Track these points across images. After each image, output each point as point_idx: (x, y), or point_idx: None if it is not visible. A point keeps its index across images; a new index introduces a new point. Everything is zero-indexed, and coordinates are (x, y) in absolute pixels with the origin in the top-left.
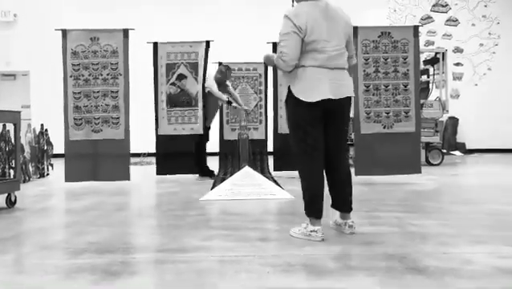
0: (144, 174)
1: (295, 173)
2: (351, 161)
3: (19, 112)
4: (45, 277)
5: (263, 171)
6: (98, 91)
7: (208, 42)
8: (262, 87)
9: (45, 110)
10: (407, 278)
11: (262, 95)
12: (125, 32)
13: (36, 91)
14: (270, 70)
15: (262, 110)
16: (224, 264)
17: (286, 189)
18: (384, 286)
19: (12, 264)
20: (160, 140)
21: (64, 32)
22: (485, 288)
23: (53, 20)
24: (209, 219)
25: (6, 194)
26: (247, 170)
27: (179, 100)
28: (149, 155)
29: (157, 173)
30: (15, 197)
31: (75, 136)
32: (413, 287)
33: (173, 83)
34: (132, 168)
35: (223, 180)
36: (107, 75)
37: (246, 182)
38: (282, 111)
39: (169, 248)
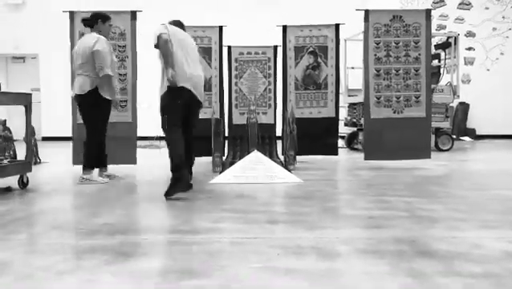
0: (153, 157)
1: (304, 158)
2: (360, 146)
3: (30, 95)
4: (57, 256)
5: (271, 155)
6: None
7: (221, 28)
8: (271, 71)
9: (54, 93)
10: (416, 262)
11: (271, 79)
12: (133, 14)
13: (45, 74)
14: (280, 54)
15: (271, 94)
16: (234, 246)
17: (294, 172)
18: (394, 269)
19: (25, 244)
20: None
21: (72, 14)
22: (493, 272)
23: (61, 2)
24: (219, 202)
25: (19, 176)
26: (256, 154)
27: None
28: (158, 139)
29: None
30: (27, 178)
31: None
32: (423, 271)
33: None
34: (141, 152)
35: (232, 164)
36: (115, 57)
37: (255, 166)
38: (292, 96)
39: (180, 229)
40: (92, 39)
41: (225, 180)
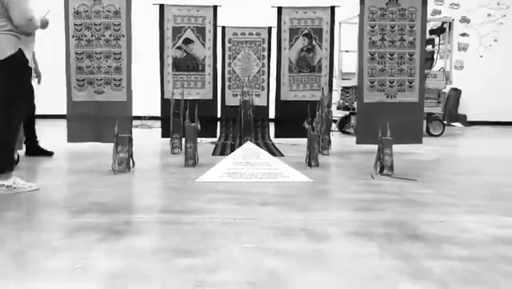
0: (145, 137)
1: (296, 140)
2: (352, 130)
3: None
4: (49, 234)
5: (264, 137)
6: (100, 52)
7: (215, 8)
8: (265, 53)
9: (47, 70)
10: (405, 244)
11: (265, 61)
12: None
13: (38, 51)
14: (274, 35)
15: (265, 76)
16: (226, 226)
17: (287, 156)
18: (383, 250)
19: (16, 221)
20: (165, 103)
21: None
22: (480, 256)
23: None
24: (211, 183)
25: None
26: (250, 146)
27: (185, 64)
28: (151, 118)
29: (162, 136)
30: (18, 155)
31: (78, 97)
32: (411, 253)
33: (179, 47)
34: (133, 131)
35: (224, 145)
36: (110, 36)
37: (250, 161)
38: (285, 79)
39: (173, 209)
40: None
41: (216, 178)
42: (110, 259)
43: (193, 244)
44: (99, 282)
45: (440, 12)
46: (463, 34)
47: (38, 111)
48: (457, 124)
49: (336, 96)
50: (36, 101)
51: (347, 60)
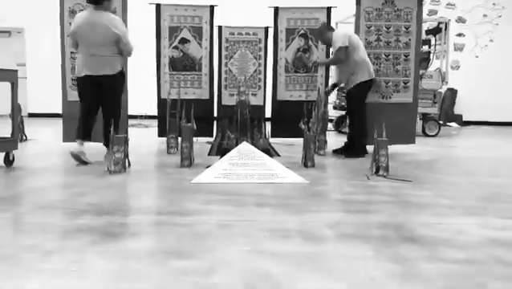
0: (141, 137)
1: (292, 140)
2: (348, 130)
3: (16, 71)
4: (44, 236)
5: (260, 137)
6: None
7: (212, 7)
8: (262, 53)
9: (41, 69)
10: (401, 247)
11: (262, 61)
12: None
13: (32, 49)
14: (271, 35)
15: (261, 75)
16: (222, 228)
17: (283, 156)
18: (379, 253)
19: (11, 223)
20: (162, 103)
21: None
22: (476, 258)
23: None
24: (207, 184)
25: (4, 153)
26: (246, 147)
27: (181, 64)
28: (147, 117)
29: (159, 135)
30: (13, 155)
31: (73, 97)
32: (407, 256)
33: (176, 47)
34: (130, 131)
35: (221, 145)
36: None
37: (247, 162)
38: (282, 79)
39: (168, 211)
40: (112, 19)
41: (212, 178)
42: (104, 262)
43: (188, 246)
44: (94, 283)
45: (436, 12)
46: (459, 35)
47: (35, 110)
48: (453, 124)
49: (333, 96)
50: (32, 100)
51: None
